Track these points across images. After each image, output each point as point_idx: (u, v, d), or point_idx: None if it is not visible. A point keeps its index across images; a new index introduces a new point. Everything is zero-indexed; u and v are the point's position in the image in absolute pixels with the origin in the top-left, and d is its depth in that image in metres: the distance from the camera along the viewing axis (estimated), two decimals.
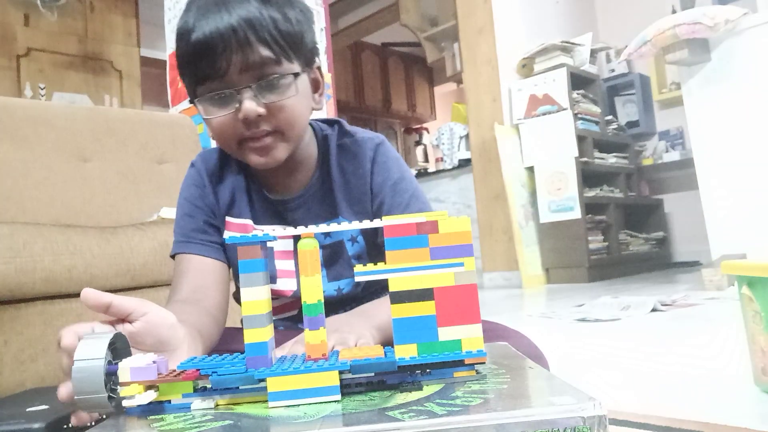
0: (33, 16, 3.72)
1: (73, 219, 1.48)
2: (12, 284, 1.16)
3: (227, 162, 0.79)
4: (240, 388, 0.42)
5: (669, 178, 4.34)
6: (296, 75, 0.66)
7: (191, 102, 0.69)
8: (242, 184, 0.77)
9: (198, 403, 0.42)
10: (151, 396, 0.41)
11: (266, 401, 0.41)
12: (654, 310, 2.04)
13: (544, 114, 3.64)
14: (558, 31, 4.08)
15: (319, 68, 0.74)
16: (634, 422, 0.87)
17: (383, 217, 0.45)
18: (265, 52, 0.63)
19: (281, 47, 0.64)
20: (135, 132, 1.77)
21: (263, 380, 0.41)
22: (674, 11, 3.65)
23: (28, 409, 0.86)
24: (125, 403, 0.40)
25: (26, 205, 1.45)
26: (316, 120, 0.80)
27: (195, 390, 0.42)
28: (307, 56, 0.69)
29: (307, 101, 0.71)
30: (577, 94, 3.71)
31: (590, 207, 3.58)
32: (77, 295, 1.26)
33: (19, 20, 3.68)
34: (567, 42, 3.80)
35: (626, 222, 4.06)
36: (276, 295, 0.76)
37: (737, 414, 0.87)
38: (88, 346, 0.41)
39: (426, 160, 5.53)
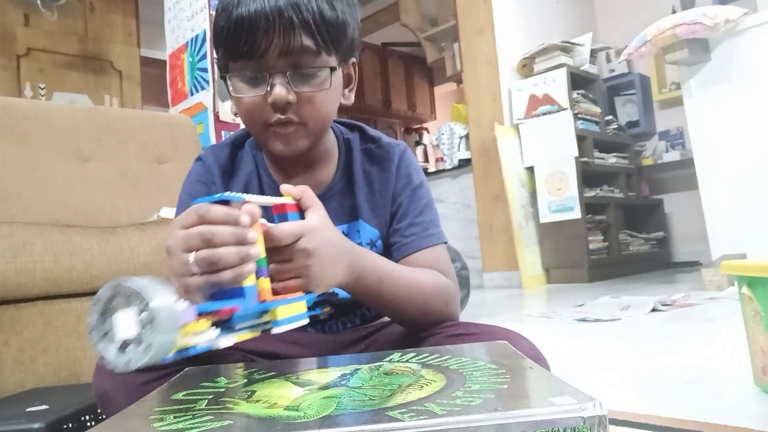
0: (33, 16, 3.72)
1: (73, 219, 1.48)
2: (12, 284, 1.16)
3: (240, 157, 0.77)
4: (237, 328, 0.49)
5: (669, 178, 4.34)
6: (332, 70, 0.66)
7: (221, 77, 0.69)
8: (255, 181, 0.76)
9: (223, 341, 0.45)
10: (213, 333, 0.44)
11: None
12: (654, 310, 2.03)
13: (544, 114, 3.64)
14: (558, 31, 4.08)
15: (354, 64, 0.74)
16: (634, 422, 0.87)
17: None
18: (307, 41, 0.63)
19: (323, 38, 0.64)
20: (135, 132, 1.77)
21: (265, 313, 0.51)
22: (674, 11, 3.64)
23: (28, 409, 0.86)
24: (198, 340, 0.42)
25: (26, 205, 1.45)
26: (335, 121, 0.79)
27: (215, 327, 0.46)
28: (345, 50, 0.69)
29: (338, 95, 0.71)
30: (577, 94, 3.71)
31: (590, 207, 3.58)
32: (77, 295, 1.26)
33: (19, 20, 3.68)
34: (567, 42, 3.80)
35: (626, 222, 4.06)
36: None
37: (737, 414, 0.87)
38: (157, 289, 0.38)
39: (426, 160, 5.52)
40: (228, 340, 0.45)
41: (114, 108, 3.79)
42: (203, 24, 2.40)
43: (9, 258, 1.15)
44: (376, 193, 0.76)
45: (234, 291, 0.49)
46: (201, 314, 0.43)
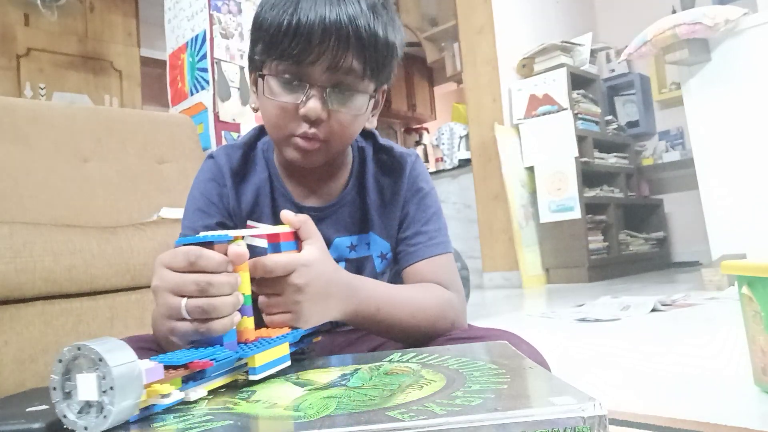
0: (33, 16, 3.72)
1: (73, 219, 1.48)
2: (12, 284, 1.16)
3: (253, 162, 0.76)
4: (212, 375, 0.45)
5: (669, 178, 4.34)
6: (370, 97, 0.66)
7: (259, 75, 0.66)
8: (267, 187, 0.74)
9: (194, 393, 0.42)
10: (178, 395, 0.41)
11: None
12: (654, 310, 2.03)
13: (544, 114, 3.64)
14: (558, 31, 4.08)
15: (384, 91, 0.74)
16: (634, 422, 0.87)
17: None
18: (356, 64, 0.63)
19: (370, 63, 0.64)
20: (135, 132, 1.77)
21: (240, 360, 0.47)
22: (674, 11, 3.64)
23: (28, 409, 0.86)
24: (163, 401, 0.40)
25: (26, 205, 1.45)
26: None
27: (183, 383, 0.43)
28: (385, 77, 0.69)
29: (365, 120, 0.71)
30: (577, 94, 3.71)
31: (590, 207, 3.58)
32: (77, 295, 1.26)
33: (19, 20, 3.68)
34: (567, 42, 3.80)
35: (626, 222, 4.06)
36: None
37: (737, 414, 0.87)
38: (117, 350, 0.37)
39: (426, 160, 5.52)
40: (199, 392, 0.43)
41: (114, 108, 3.79)
42: (203, 24, 2.40)
43: (9, 258, 1.15)
44: (387, 205, 0.75)
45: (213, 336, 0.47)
46: (169, 368, 0.41)
